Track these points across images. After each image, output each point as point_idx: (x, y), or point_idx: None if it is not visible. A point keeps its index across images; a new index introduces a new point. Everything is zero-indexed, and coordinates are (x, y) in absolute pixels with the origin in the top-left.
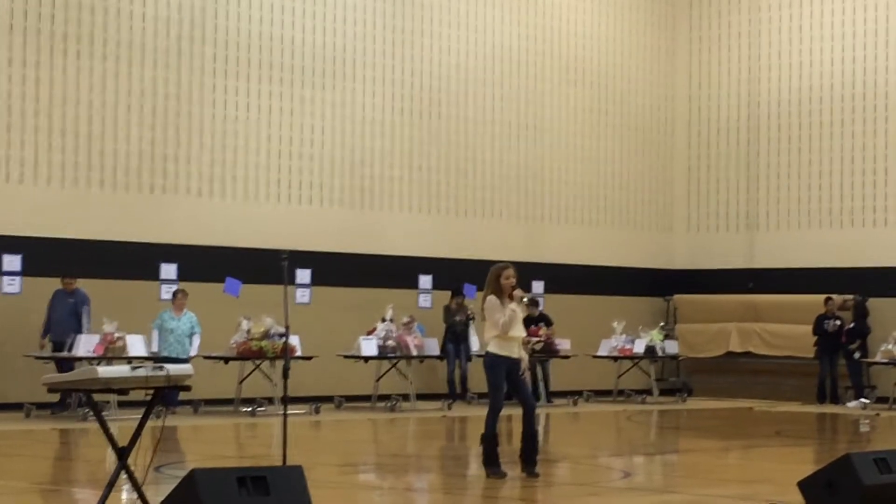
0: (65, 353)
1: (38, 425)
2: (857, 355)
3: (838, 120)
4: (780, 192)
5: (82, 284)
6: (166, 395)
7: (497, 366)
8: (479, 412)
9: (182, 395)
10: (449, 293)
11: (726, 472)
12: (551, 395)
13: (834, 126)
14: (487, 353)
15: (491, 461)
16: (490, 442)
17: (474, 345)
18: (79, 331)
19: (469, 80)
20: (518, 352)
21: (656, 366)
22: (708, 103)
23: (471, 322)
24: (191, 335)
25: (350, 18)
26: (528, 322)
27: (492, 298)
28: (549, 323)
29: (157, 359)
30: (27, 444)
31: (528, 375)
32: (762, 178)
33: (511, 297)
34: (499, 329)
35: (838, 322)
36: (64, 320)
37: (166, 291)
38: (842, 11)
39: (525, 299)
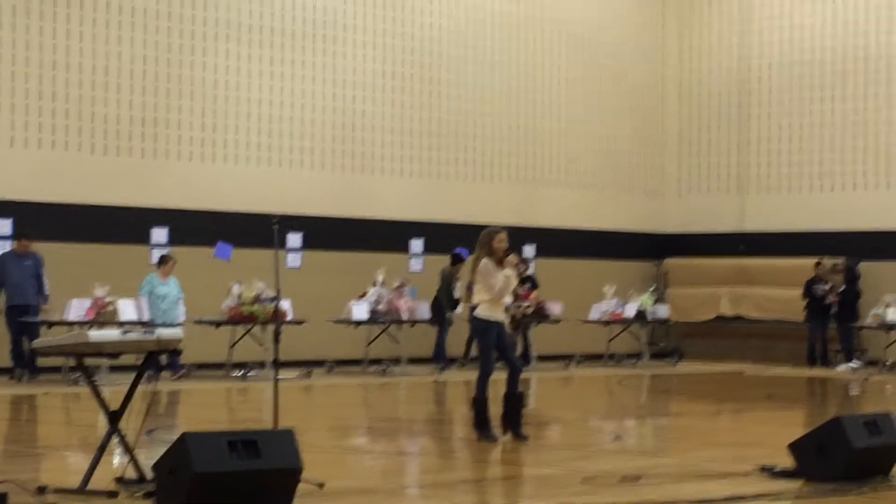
0: (56, 318)
1: (29, 390)
2: (833, 310)
3: (829, 83)
4: (770, 156)
5: (75, 249)
6: (170, 362)
7: (488, 330)
8: (471, 376)
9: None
10: (447, 259)
11: (717, 436)
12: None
13: (825, 89)
14: (476, 317)
15: (482, 425)
16: (481, 406)
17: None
18: (40, 293)
19: (461, 43)
20: (503, 315)
21: (647, 330)
22: (699, 66)
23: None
24: (177, 300)
25: None
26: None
27: (487, 262)
28: (535, 285)
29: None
30: (17, 408)
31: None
32: (753, 141)
33: (502, 262)
34: (493, 294)
35: (828, 286)
36: (25, 283)
37: (157, 256)
38: None
39: (519, 265)
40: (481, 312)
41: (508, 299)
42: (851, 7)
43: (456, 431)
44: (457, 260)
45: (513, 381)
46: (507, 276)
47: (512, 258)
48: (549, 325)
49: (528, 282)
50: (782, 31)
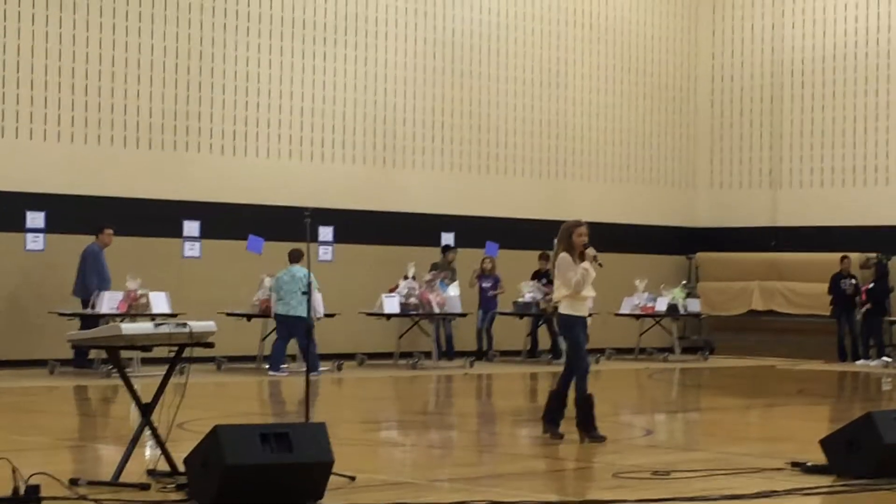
0: (88, 311)
1: (63, 382)
2: (865, 306)
3: (862, 77)
4: (803, 150)
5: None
6: (309, 360)
7: (573, 326)
8: (501, 370)
9: (205, 353)
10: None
11: (748, 430)
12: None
13: (858, 83)
14: (561, 314)
15: (552, 419)
16: (557, 400)
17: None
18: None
19: (492, 36)
20: (587, 311)
21: (678, 324)
22: (731, 60)
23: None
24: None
25: None
26: (539, 276)
27: (564, 256)
28: (549, 280)
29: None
30: (52, 400)
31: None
32: (785, 135)
33: (582, 256)
34: (571, 288)
35: (853, 281)
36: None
37: (189, 248)
38: None
39: (597, 257)
40: (564, 309)
41: (593, 292)
42: (885, 0)
43: (486, 425)
44: (446, 249)
45: (580, 383)
46: (584, 270)
47: (589, 251)
48: None
49: (544, 277)
50: (815, 25)
